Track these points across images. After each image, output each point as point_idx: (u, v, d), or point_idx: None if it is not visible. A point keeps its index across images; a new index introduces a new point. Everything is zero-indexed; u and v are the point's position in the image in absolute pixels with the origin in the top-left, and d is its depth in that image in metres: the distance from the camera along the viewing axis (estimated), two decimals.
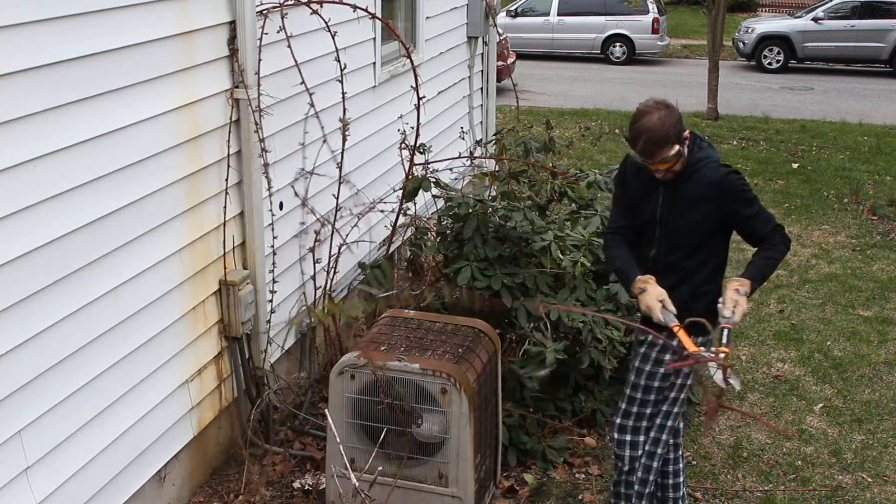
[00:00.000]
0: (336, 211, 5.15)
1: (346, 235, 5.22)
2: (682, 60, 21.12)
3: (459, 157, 6.36)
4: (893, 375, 5.85)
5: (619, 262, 3.73)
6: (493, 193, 5.79)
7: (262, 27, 4.42)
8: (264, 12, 4.45)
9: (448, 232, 5.20)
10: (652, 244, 3.69)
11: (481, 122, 8.48)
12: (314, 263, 5.05)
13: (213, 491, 4.45)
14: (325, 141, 5.14)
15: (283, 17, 4.47)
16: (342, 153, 5.07)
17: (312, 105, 4.75)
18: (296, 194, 4.84)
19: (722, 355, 3.33)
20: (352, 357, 3.97)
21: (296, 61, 4.58)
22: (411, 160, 5.23)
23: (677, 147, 3.48)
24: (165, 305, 4.00)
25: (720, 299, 3.49)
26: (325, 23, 4.71)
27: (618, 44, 20.24)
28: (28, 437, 3.27)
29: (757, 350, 6.16)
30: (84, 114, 3.40)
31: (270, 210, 4.65)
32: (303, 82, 4.64)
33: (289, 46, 4.48)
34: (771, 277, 7.39)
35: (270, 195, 4.62)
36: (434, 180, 5.16)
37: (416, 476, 3.95)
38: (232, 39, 4.25)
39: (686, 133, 3.54)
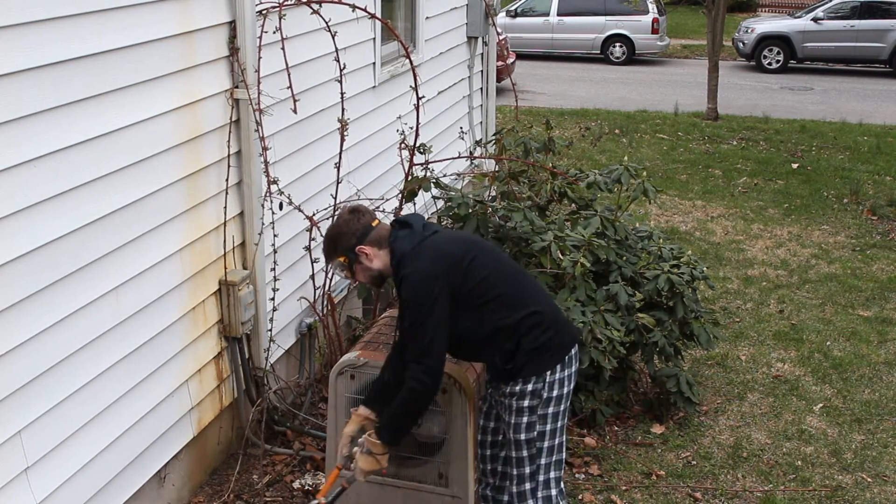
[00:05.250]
0: (334, 211, 5.14)
1: None
2: (682, 60, 21.12)
3: (459, 157, 6.36)
4: (893, 375, 5.85)
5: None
6: (493, 193, 5.79)
7: (262, 27, 4.42)
8: (264, 12, 4.45)
9: None
10: None
11: (481, 122, 8.49)
12: (311, 263, 5.05)
13: (213, 491, 4.45)
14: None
15: (280, 18, 4.47)
16: (340, 154, 5.07)
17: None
18: (290, 202, 4.83)
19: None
20: (352, 357, 3.97)
21: (287, 65, 4.55)
22: (411, 160, 5.23)
23: (342, 259, 3.42)
24: (165, 305, 4.00)
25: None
26: (326, 23, 4.71)
27: (618, 44, 20.23)
28: (28, 437, 3.27)
29: (757, 350, 6.16)
30: (84, 114, 3.40)
31: (271, 209, 4.65)
32: (290, 86, 4.60)
33: (282, 49, 4.47)
34: (770, 277, 7.48)
35: (270, 195, 4.62)
36: (434, 180, 5.16)
37: (416, 476, 3.95)
38: (232, 39, 4.25)
39: (366, 247, 3.35)
